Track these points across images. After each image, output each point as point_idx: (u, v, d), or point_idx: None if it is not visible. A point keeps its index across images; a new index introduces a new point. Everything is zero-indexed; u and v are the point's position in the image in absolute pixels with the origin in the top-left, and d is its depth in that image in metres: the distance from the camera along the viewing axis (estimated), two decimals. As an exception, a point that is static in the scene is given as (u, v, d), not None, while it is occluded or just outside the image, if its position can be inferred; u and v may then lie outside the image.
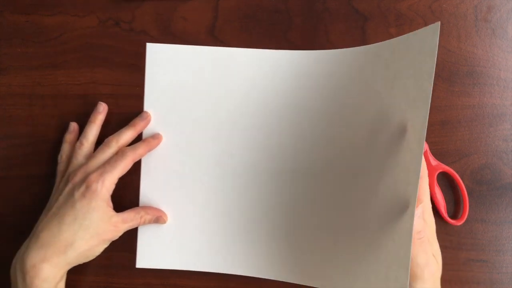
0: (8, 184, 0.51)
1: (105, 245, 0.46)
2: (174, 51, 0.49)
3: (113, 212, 0.45)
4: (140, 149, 0.47)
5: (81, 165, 0.45)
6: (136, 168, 0.49)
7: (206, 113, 0.48)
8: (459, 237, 0.48)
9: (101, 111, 0.49)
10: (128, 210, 0.46)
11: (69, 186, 0.44)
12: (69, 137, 0.49)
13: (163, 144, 0.49)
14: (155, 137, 0.48)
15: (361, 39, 0.49)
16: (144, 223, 0.47)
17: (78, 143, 0.47)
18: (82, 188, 0.43)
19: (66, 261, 0.42)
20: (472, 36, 0.48)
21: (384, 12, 0.49)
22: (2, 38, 0.51)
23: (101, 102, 0.49)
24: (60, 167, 0.48)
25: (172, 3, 0.50)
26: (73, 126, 0.49)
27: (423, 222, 0.41)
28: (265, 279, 0.48)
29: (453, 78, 0.48)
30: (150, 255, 0.49)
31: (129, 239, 0.50)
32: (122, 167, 0.45)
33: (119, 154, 0.45)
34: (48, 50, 0.50)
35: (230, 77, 0.48)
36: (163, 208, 0.49)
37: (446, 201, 0.48)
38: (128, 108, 0.50)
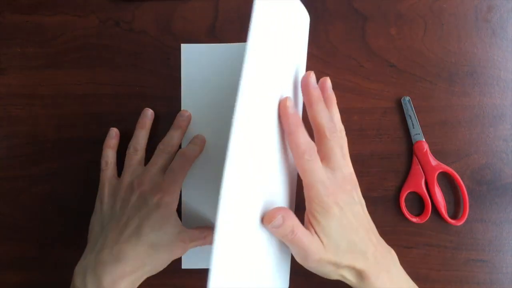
0: (8, 184, 0.51)
1: (170, 261, 0.43)
2: (206, 50, 0.49)
3: (182, 227, 0.43)
4: (197, 149, 0.46)
5: (143, 172, 0.44)
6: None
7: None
8: (459, 237, 0.48)
9: (149, 117, 0.48)
10: (194, 228, 0.45)
11: (137, 195, 0.42)
12: (112, 142, 0.47)
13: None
14: (200, 136, 0.48)
15: (361, 39, 0.49)
16: (208, 243, 0.44)
17: (131, 149, 0.46)
18: (156, 198, 0.42)
19: (142, 276, 0.41)
20: (472, 36, 0.48)
21: (384, 12, 0.49)
22: (2, 38, 0.51)
23: (148, 109, 0.48)
24: (107, 174, 0.46)
25: (172, 3, 0.50)
26: (115, 131, 0.48)
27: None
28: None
29: (453, 78, 0.48)
30: (195, 255, 0.48)
31: (129, 239, 0.50)
32: (186, 172, 0.45)
33: (180, 159, 0.45)
34: (48, 50, 0.50)
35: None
36: (204, 211, 0.48)
37: (446, 201, 0.48)
38: (128, 108, 0.50)
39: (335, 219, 0.37)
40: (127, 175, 0.45)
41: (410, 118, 0.48)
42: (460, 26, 0.48)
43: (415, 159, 0.48)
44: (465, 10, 0.48)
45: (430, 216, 0.47)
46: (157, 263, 0.42)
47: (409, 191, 0.48)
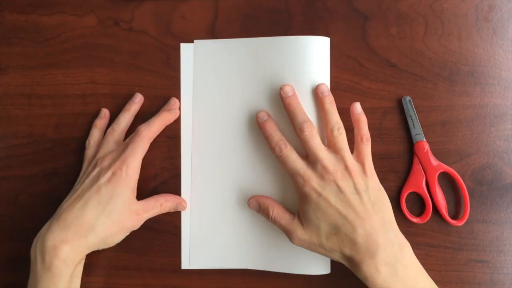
0: (8, 184, 0.50)
1: (126, 234, 0.46)
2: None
3: (135, 200, 0.45)
4: (154, 125, 0.47)
5: (111, 151, 0.46)
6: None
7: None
8: (460, 238, 0.48)
9: (137, 102, 0.49)
10: (148, 198, 0.47)
11: (97, 170, 0.44)
12: (100, 122, 0.49)
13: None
14: (171, 110, 0.48)
15: (362, 39, 0.49)
16: (165, 211, 0.47)
17: (109, 129, 0.47)
18: (108, 174, 0.43)
19: (86, 244, 0.43)
20: (473, 36, 0.48)
21: (385, 11, 0.49)
22: (1, 37, 0.51)
23: (138, 93, 0.49)
24: (89, 152, 0.48)
25: (172, 3, 0.50)
26: (104, 112, 0.49)
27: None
28: (264, 278, 0.48)
29: (454, 77, 0.48)
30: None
31: (129, 239, 0.50)
32: (142, 148, 0.45)
33: (135, 135, 0.46)
34: (47, 50, 0.50)
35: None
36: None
37: (447, 201, 0.48)
38: (127, 108, 0.50)
39: (312, 203, 0.42)
40: (99, 153, 0.46)
41: (411, 118, 0.48)
42: (461, 25, 0.48)
43: (415, 159, 0.47)
44: (466, 10, 0.48)
45: (430, 217, 0.47)
46: (105, 235, 0.43)
47: (409, 191, 0.48)
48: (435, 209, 0.47)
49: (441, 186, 0.48)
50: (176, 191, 0.49)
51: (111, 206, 0.43)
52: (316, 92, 0.46)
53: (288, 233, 0.44)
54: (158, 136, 0.49)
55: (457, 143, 0.48)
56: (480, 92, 0.48)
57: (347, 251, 0.41)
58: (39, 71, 0.50)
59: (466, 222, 0.47)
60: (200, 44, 0.49)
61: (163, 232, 0.50)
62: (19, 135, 0.50)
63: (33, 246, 0.43)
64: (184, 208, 0.48)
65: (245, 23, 0.50)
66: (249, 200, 0.47)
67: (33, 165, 0.50)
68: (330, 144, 0.44)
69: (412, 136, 0.48)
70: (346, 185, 0.42)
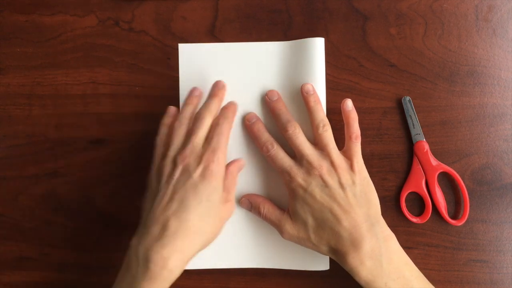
0: (8, 184, 0.50)
1: (221, 228, 0.44)
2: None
3: (222, 190, 0.43)
4: (231, 117, 0.46)
5: (184, 145, 0.43)
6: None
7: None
8: (459, 238, 0.48)
9: (197, 95, 0.47)
10: (225, 178, 0.44)
11: (180, 168, 0.42)
12: (168, 120, 0.47)
13: None
14: (233, 103, 0.47)
15: (361, 39, 0.49)
16: (236, 179, 0.46)
17: (177, 123, 0.45)
18: (200, 170, 0.42)
19: (194, 251, 0.41)
20: (473, 36, 0.48)
21: (385, 11, 0.49)
22: (1, 37, 0.51)
23: (196, 87, 0.47)
24: (159, 150, 0.45)
25: (172, 3, 0.50)
26: (172, 110, 0.47)
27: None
28: (264, 278, 0.48)
29: (454, 78, 0.48)
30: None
31: (128, 239, 0.50)
32: (226, 139, 0.44)
33: (217, 127, 0.44)
34: (48, 50, 0.50)
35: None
36: None
37: (446, 201, 0.48)
38: (127, 108, 0.50)
39: (299, 198, 0.43)
40: (171, 150, 0.44)
41: (411, 118, 0.48)
42: (461, 25, 0.48)
43: (415, 159, 0.47)
44: (465, 10, 0.48)
45: (430, 216, 0.47)
46: (210, 235, 0.42)
47: (409, 191, 0.48)
48: (435, 209, 0.47)
49: (440, 186, 0.48)
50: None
51: (211, 204, 0.41)
52: (301, 92, 0.46)
53: (278, 228, 0.45)
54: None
55: (456, 143, 0.48)
56: (479, 92, 0.48)
57: (333, 244, 0.42)
58: (40, 71, 0.50)
59: (466, 222, 0.47)
60: (186, 48, 0.49)
61: (163, 232, 0.50)
62: (19, 135, 0.50)
63: (133, 250, 0.40)
64: (243, 164, 0.47)
65: (245, 23, 0.50)
66: (240, 199, 0.48)
67: (33, 165, 0.50)
68: (316, 141, 0.45)
69: (412, 136, 0.48)
70: (331, 180, 0.43)
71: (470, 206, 0.47)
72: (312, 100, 0.46)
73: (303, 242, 0.44)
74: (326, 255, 0.44)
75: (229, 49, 0.49)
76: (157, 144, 0.46)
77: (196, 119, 0.45)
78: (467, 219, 0.47)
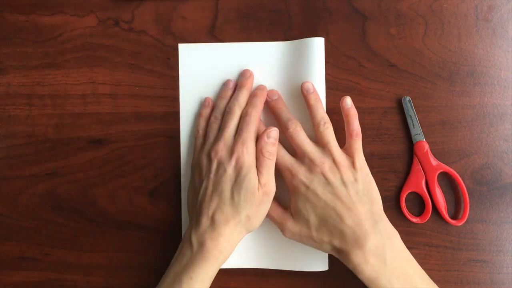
0: (8, 184, 0.50)
1: (265, 210, 0.45)
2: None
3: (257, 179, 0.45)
4: (259, 104, 0.47)
5: (217, 140, 0.45)
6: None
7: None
8: (459, 238, 0.48)
9: (231, 87, 0.49)
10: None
11: (215, 163, 0.44)
12: (205, 111, 0.49)
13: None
14: (261, 88, 0.48)
15: (361, 39, 0.49)
16: (273, 153, 0.46)
17: (212, 119, 0.48)
18: (233, 162, 0.43)
19: (239, 236, 0.44)
20: (473, 36, 0.48)
21: (385, 11, 0.49)
22: (1, 37, 0.51)
23: (231, 79, 0.49)
24: (198, 142, 0.48)
25: (172, 3, 0.50)
26: (208, 100, 0.49)
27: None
28: (264, 278, 0.48)
29: (454, 78, 0.48)
30: None
31: (129, 239, 0.50)
32: (255, 128, 0.45)
33: (246, 117, 0.45)
34: (48, 50, 0.50)
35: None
36: None
37: (446, 201, 0.48)
38: (127, 108, 0.50)
39: (301, 196, 0.44)
40: (207, 144, 0.46)
41: (411, 118, 0.48)
42: (461, 25, 0.48)
43: (415, 159, 0.47)
44: (465, 10, 0.48)
45: (430, 216, 0.47)
46: (251, 222, 0.44)
47: (409, 191, 0.48)
48: (435, 209, 0.47)
49: (440, 186, 0.48)
50: (176, 191, 0.49)
51: (247, 192, 0.43)
52: (301, 90, 0.46)
53: (280, 226, 0.45)
54: (158, 136, 0.49)
55: (456, 143, 0.48)
56: (479, 92, 0.48)
57: (336, 242, 0.42)
58: (40, 71, 0.50)
59: (466, 222, 0.47)
60: (186, 48, 0.49)
61: (163, 232, 0.50)
62: (19, 135, 0.50)
63: (186, 239, 0.44)
64: (274, 132, 0.45)
65: (245, 23, 0.50)
66: None
67: (33, 165, 0.50)
68: (317, 139, 0.45)
69: (412, 136, 0.48)
70: (333, 177, 0.43)
71: (470, 206, 0.47)
72: (312, 98, 0.46)
73: (305, 240, 0.44)
74: (329, 253, 0.44)
75: (229, 49, 0.49)
76: (196, 136, 0.49)
77: (226, 113, 0.47)
78: (467, 219, 0.47)
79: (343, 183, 0.43)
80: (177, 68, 0.49)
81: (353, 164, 0.44)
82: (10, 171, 0.50)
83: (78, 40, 0.50)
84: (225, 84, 0.49)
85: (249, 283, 0.49)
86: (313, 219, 0.43)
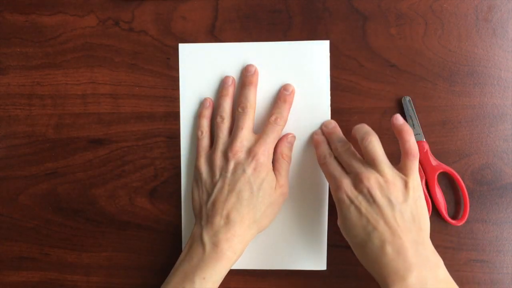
0: (8, 184, 0.50)
1: (279, 210, 0.46)
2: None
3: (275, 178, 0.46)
4: (285, 112, 0.47)
5: (233, 140, 0.45)
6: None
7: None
8: (459, 238, 0.48)
9: (231, 84, 0.48)
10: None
11: (233, 163, 0.45)
12: (207, 112, 0.49)
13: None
14: (288, 90, 0.48)
15: (361, 39, 0.49)
16: (288, 154, 0.48)
17: (219, 118, 0.47)
18: (253, 164, 0.44)
19: (251, 236, 0.45)
20: (473, 36, 0.48)
21: (385, 11, 0.49)
22: (1, 38, 0.51)
23: (228, 76, 0.49)
24: (203, 142, 0.48)
25: (172, 3, 0.50)
26: (209, 101, 0.49)
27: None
28: (264, 278, 0.48)
29: (454, 78, 0.48)
30: None
31: (128, 239, 0.50)
32: (277, 136, 0.46)
33: (271, 123, 0.46)
34: (48, 50, 0.50)
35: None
36: None
37: (446, 201, 0.48)
38: (127, 108, 0.50)
39: (344, 209, 0.42)
40: (220, 144, 0.46)
41: (411, 118, 0.48)
42: (461, 25, 0.48)
43: (415, 159, 0.47)
44: (465, 10, 0.48)
45: (430, 216, 0.47)
46: (265, 222, 0.45)
47: (409, 191, 0.48)
48: (435, 209, 0.47)
49: (440, 186, 0.48)
50: (176, 191, 0.49)
51: (264, 193, 0.44)
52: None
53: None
54: (158, 136, 0.49)
55: (456, 143, 0.48)
56: (479, 92, 0.48)
57: (376, 269, 0.40)
58: (40, 71, 0.50)
59: (466, 222, 0.47)
60: (186, 48, 0.49)
61: (163, 232, 0.50)
62: (19, 135, 0.50)
63: (197, 237, 0.44)
64: (292, 138, 0.48)
65: (245, 23, 0.50)
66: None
67: (33, 165, 0.50)
68: (364, 155, 0.43)
69: (412, 136, 0.48)
70: (380, 195, 0.40)
71: (470, 206, 0.47)
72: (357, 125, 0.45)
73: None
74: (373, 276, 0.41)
75: (229, 49, 0.49)
76: (199, 136, 0.48)
77: (239, 113, 0.47)
78: (467, 219, 0.47)
79: (390, 202, 0.40)
80: (177, 68, 0.49)
81: (406, 184, 0.41)
82: (10, 171, 0.50)
83: (78, 40, 0.50)
84: (224, 81, 0.49)
85: (249, 283, 0.49)
86: (352, 237, 0.41)
